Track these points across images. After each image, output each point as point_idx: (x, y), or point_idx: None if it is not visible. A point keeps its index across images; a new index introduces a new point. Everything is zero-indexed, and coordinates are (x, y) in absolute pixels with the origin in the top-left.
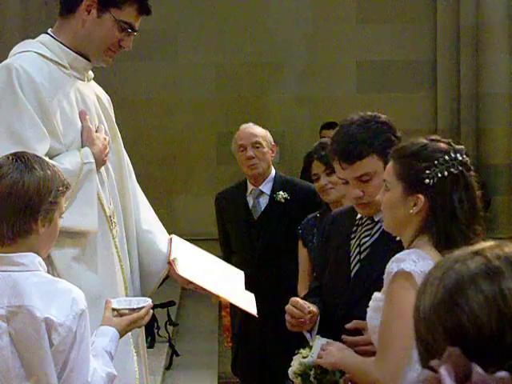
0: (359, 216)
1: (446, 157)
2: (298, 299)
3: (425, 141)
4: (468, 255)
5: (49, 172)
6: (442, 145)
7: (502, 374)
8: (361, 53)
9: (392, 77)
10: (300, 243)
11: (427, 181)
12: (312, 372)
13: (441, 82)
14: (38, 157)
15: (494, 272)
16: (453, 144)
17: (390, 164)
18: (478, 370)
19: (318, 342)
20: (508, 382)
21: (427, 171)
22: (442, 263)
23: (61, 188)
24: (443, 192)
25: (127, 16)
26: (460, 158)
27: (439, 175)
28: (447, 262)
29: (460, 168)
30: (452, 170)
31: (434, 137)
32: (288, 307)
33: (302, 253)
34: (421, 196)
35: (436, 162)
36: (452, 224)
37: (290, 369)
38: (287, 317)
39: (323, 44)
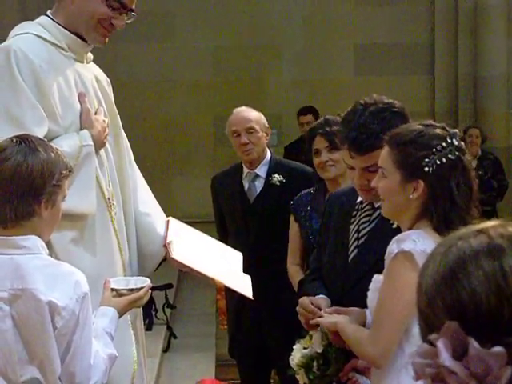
0: (359, 200)
1: (444, 143)
2: (307, 302)
3: (420, 127)
4: (472, 233)
5: (52, 155)
6: (438, 130)
7: (498, 349)
8: (359, 35)
9: (390, 59)
10: (292, 218)
11: (426, 169)
12: (315, 363)
13: (439, 65)
14: (41, 140)
15: (495, 249)
16: (447, 128)
17: (386, 150)
18: (474, 344)
19: (319, 332)
20: (503, 357)
21: (426, 159)
22: (446, 241)
23: (64, 171)
24: (442, 178)
25: None
26: (456, 143)
27: (438, 162)
28: (451, 240)
29: (457, 153)
30: (450, 156)
31: (428, 122)
32: (300, 311)
33: (293, 227)
34: (421, 181)
35: (434, 149)
36: (451, 209)
37: (291, 358)
38: (301, 319)
39: (321, 26)
